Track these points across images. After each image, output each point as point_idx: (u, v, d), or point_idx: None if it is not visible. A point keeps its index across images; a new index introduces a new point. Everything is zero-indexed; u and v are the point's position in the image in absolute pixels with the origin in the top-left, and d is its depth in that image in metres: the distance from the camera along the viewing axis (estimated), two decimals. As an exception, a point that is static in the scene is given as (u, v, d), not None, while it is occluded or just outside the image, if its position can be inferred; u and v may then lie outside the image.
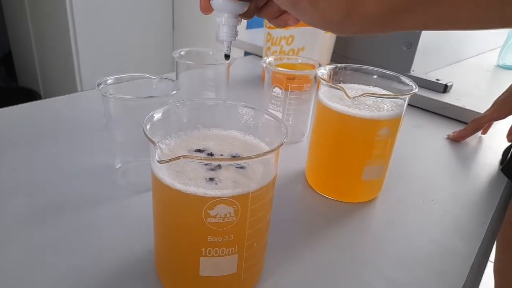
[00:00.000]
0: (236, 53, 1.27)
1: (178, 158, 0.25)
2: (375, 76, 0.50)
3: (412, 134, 0.70)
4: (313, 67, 0.62)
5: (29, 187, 0.45)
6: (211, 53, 0.63)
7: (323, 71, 0.48)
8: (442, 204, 0.51)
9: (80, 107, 0.71)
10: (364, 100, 0.46)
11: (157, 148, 0.26)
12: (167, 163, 0.25)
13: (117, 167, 0.48)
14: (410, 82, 0.46)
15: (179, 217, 0.29)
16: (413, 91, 0.44)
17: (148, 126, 0.29)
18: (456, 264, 0.40)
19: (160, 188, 0.29)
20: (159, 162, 0.25)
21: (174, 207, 0.29)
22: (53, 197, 0.44)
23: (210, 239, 0.29)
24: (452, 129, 0.72)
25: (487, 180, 0.58)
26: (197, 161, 0.26)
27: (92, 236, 0.39)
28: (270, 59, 0.60)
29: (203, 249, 0.29)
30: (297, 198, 0.50)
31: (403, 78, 0.47)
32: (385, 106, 0.45)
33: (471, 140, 0.70)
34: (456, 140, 0.69)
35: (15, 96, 1.87)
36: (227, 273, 0.31)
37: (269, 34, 0.83)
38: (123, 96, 0.42)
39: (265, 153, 0.28)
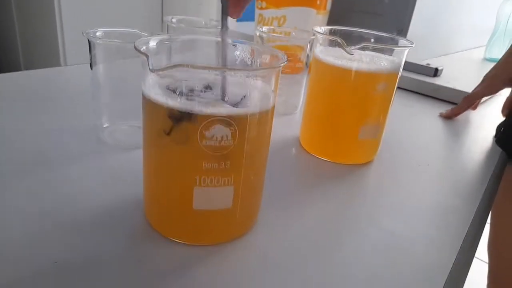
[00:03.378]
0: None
1: (173, 66, 0.24)
2: (372, 40, 0.49)
3: (405, 113, 0.70)
4: (302, 48, 0.61)
5: (14, 144, 0.43)
6: (203, 22, 0.62)
7: (319, 30, 0.47)
8: (438, 169, 0.50)
9: (65, 80, 0.68)
10: (361, 57, 0.45)
11: (149, 57, 0.24)
12: (162, 71, 0.24)
13: (104, 126, 0.46)
14: (406, 41, 0.46)
15: (172, 140, 0.27)
16: (411, 46, 0.43)
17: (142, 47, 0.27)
18: (456, 217, 0.39)
19: (153, 110, 0.27)
20: (152, 71, 0.24)
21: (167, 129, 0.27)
22: (40, 152, 0.42)
23: (205, 166, 0.27)
24: (444, 109, 0.71)
25: (481, 151, 0.58)
26: (193, 69, 0.24)
27: (78, 185, 0.37)
28: (265, 28, 0.59)
29: (197, 177, 0.27)
30: (291, 162, 0.48)
31: (399, 38, 0.47)
32: (382, 63, 0.44)
33: (464, 117, 0.70)
34: (449, 117, 0.68)
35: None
36: (222, 207, 0.29)
37: (260, 15, 0.82)
38: (112, 40, 0.40)
39: (266, 68, 0.26)
